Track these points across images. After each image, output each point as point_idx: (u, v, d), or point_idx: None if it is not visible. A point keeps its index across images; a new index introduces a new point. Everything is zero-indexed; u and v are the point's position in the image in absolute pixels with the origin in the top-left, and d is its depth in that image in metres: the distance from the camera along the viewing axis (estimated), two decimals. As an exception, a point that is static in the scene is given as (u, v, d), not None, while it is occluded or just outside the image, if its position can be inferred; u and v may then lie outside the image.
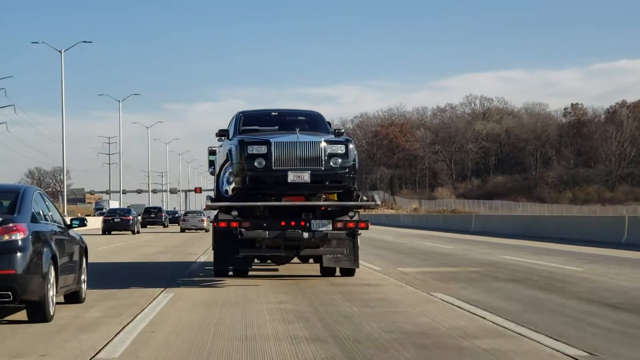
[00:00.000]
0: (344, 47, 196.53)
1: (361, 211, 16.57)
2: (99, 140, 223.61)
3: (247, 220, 15.00)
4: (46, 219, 11.40)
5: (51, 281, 10.62)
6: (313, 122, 16.66)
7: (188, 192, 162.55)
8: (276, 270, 18.74)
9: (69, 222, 12.55)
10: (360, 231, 15.37)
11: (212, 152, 19.35)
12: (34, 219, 10.74)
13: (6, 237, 10.06)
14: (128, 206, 77.53)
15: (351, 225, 15.23)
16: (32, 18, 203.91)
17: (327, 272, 16.89)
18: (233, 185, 15.39)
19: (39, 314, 10.46)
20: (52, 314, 10.66)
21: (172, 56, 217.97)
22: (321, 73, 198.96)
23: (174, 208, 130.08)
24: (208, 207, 16.06)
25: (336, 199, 15.61)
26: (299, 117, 16.84)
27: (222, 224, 15.10)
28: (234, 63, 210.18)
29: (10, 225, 10.15)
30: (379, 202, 15.77)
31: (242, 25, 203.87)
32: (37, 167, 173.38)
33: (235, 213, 14.99)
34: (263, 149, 14.69)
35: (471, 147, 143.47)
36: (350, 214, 15.41)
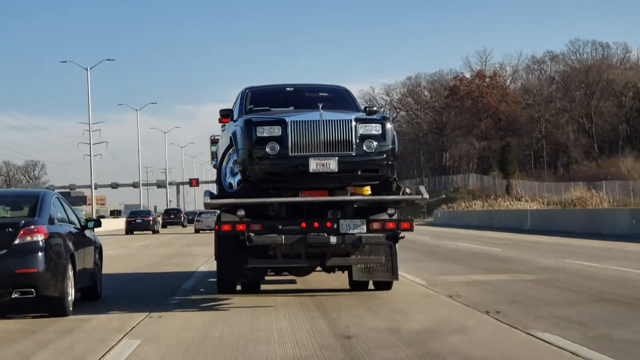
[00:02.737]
0: (357, 42, 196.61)
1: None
2: (79, 128, 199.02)
3: (257, 221, 11.97)
4: (64, 221, 12.32)
5: (70, 278, 11.54)
6: (338, 100, 13.66)
7: (181, 185, 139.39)
8: (294, 282, 15.92)
9: (84, 224, 13.46)
10: (402, 233, 12.32)
11: (214, 142, 16.65)
12: (53, 221, 11.66)
13: (28, 239, 10.99)
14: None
15: (391, 225, 12.21)
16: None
17: (357, 285, 13.93)
18: (239, 177, 12.31)
19: (59, 309, 11.36)
20: (70, 309, 11.55)
21: (179, 57, 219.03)
22: (333, 69, 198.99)
23: (155, 207, 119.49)
24: (208, 206, 12.38)
25: (368, 192, 12.67)
26: (321, 94, 13.75)
27: (226, 227, 12.04)
28: (241, 64, 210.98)
29: (32, 227, 11.08)
30: (426, 196, 12.69)
31: (247, 28, 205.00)
32: (5, 161, 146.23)
33: (242, 213, 11.93)
34: (277, 131, 11.68)
35: (606, 105, 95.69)
36: (390, 211, 12.50)
